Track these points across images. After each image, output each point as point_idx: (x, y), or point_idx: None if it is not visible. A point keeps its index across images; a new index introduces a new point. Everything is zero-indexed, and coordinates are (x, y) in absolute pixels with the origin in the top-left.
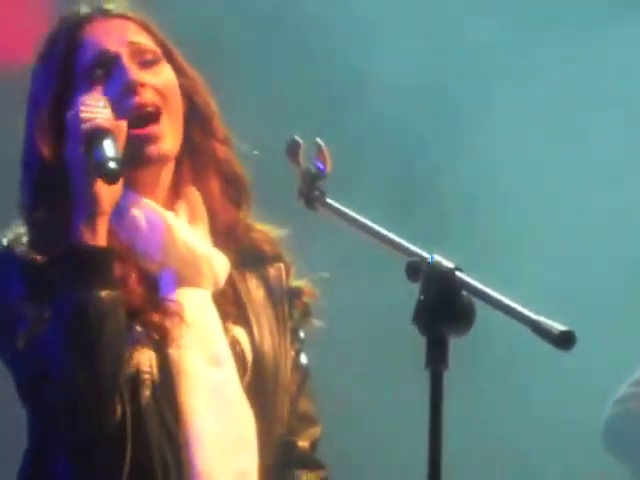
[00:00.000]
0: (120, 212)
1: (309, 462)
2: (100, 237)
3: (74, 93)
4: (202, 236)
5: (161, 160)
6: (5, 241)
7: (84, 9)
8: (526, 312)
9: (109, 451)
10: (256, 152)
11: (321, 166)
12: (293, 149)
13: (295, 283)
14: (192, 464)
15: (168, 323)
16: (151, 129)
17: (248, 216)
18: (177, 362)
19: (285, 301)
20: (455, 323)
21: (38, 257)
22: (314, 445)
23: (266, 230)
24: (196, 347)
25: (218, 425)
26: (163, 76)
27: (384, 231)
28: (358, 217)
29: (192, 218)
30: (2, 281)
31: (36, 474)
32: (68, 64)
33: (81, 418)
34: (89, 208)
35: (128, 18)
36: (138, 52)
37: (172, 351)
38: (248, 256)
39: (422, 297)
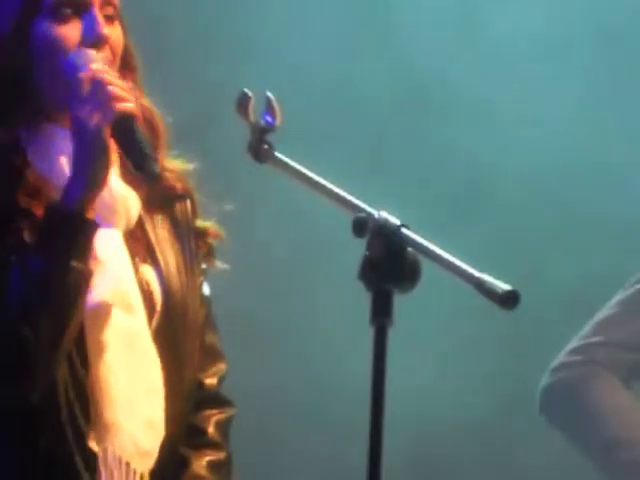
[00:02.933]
0: (41, 143)
1: (217, 400)
2: (94, 213)
3: (32, 26)
4: (115, 176)
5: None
6: None
7: None
8: (470, 270)
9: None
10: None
11: (270, 119)
12: (243, 102)
13: (201, 224)
14: (102, 416)
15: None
16: None
17: (164, 157)
18: (88, 306)
19: (192, 236)
20: (400, 280)
21: None
22: (221, 381)
23: (177, 167)
24: (108, 291)
25: (127, 376)
26: (117, 34)
27: (331, 186)
28: (306, 171)
29: None
30: None
31: None
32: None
33: (24, 374)
34: (96, 185)
35: None
36: (105, 3)
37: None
38: (158, 195)
39: (368, 253)
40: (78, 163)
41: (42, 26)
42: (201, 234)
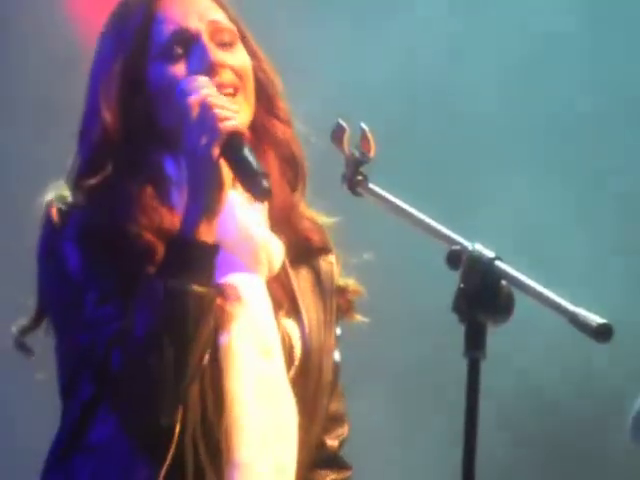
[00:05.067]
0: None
1: (336, 462)
2: (213, 236)
3: (147, 66)
4: (261, 219)
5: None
6: (52, 202)
7: None
8: (564, 303)
9: (156, 435)
10: (313, 138)
11: (365, 151)
12: (338, 134)
13: (342, 281)
14: (232, 453)
15: (228, 306)
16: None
17: (302, 201)
18: (228, 349)
19: (334, 296)
20: (494, 312)
21: (95, 226)
22: (342, 445)
23: (315, 218)
24: (248, 335)
25: (262, 416)
26: (240, 58)
27: (426, 218)
28: (400, 203)
29: (252, 200)
30: (58, 250)
31: (74, 442)
32: (142, 36)
33: (151, 402)
34: (211, 207)
35: None
36: (217, 31)
37: (223, 337)
38: (298, 244)
39: (462, 285)
40: (192, 187)
41: (155, 70)
42: (341, 291)
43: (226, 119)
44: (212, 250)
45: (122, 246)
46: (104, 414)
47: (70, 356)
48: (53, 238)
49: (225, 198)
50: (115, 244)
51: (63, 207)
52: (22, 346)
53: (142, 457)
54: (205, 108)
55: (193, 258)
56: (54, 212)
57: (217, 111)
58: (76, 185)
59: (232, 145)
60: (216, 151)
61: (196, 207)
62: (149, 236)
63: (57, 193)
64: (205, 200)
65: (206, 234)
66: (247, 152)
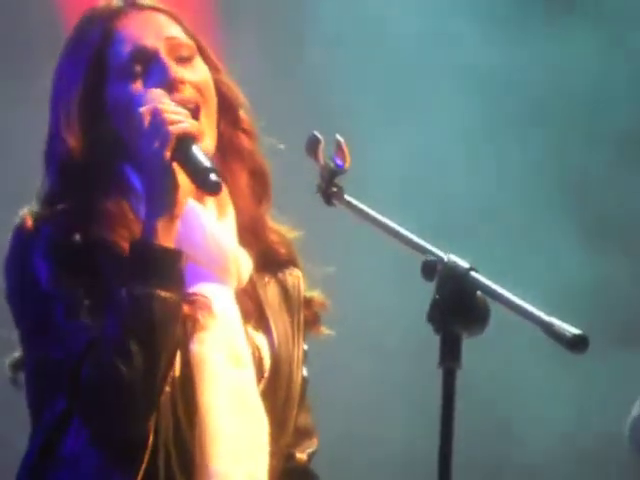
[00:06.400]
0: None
1: (305, 475)
2: (173, 239)
3: (106, 87)
4: (230, 232)
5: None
6: (25, 219)
7: (115, 1)
8: (539, 314)
9: (129, 446)
10: (282, 146)
11: (340, 162)
12: (312, 145)
13: (307, 293)
14: (206, 465)
15: (200, 315)
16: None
17: (267, 213)
18: (199, 358)
19: (301, 310)
20: (469, 323)
21: (65, 240)
22: (310, 458)
23: (281, 231)
24: (220, 344)
25: (235, 427)
26: (200, 72)
27: (400, 229)
28: (375, 214)
29: (220, 213)
30: (28, 261)
31: (47, 454)
32: (100, 58)
33: (122, 411)
34: (168, 210)
35: (160, 10)
36: (175, 47)
37: (195, 346)
38: (265, 257)
39: (437, 296)
40: (148, 193)
41: (115, 89)
42: (307, 303)
43: (175, 122)
44: (173, 254)
45: (92, 259)
46: (77, 426)
47: (40, 370)
48: (23, 251)
49: (183, 202)
50: (85, 257)
51: (36, 221)
52: (14, 381)
53: (116, 469)
54: (155, 114)
55: (154, 262)
56: (26, 226)
57: (166, 115)
58: (46, 202)
59: (181, 146)
60: (167, 155)
61: (153, 212)
62: (120, 249)
63: (30, 208)
64: (161, 204)
65: (166, 239)
66: (195, 150)
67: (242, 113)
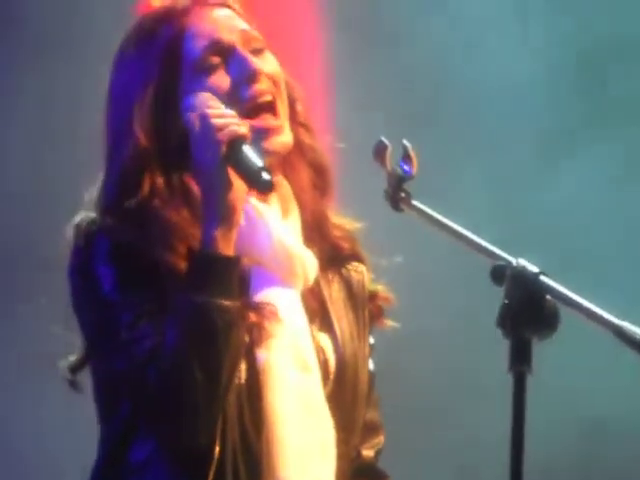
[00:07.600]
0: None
1: (372, 472)
2: (232, 247)
3: (181, 84)
4: (294, 232)
5: (283, 153)
6: (81, 225)
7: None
8: (609, 317)
9: (195, 455)
10: (342, 145)
11: (407, 169)
12: (380, 151)
13: (372, 287)
14: (273, 472)
15: (266, 323)
16: (271, 121)
17: (331, 209)
18: (266, 365)
19: (366, 306)
20: (539, 327)
21: (127, 247)
22: (378, 454)
23: (344, 225)
24: (287, 351)
25: (302, 434)
26: (272, 64)
27: (469, 234)
28: (443, 219)
29: (284, 212)
30: (91, 273)
31: (114, 463)
32: (173, 55)
33: (186, 419)
34: (227, 218)
35: (228, 6)
36: (249, 40)
37: (261, 353)
38: (329, 253)
39: (507, 301)
40: (205, 202)
41: (189, 86)
42: (372, 297)
43: (224, 127)
44: (232, 262)
45: (153, 266)
46: (144, 434)
47: (108, 379)
48: (84, 261)
49: (240, 208)
50: (148, 263)
51: (92, 229)
52: (72, 383)
53: (182, 478)
54: (203, 120)
55: (214, 271)
56: (83, 235)
57: (214, 121)
58: (107, 208)
59: (232, 150)
60: (220, 162)
61: (211, 220)
62: (183, 263)
63: (85, 216)
64: (218, 212)
65: (225, 247)
66: (246, 150)
67: (299, 107)
